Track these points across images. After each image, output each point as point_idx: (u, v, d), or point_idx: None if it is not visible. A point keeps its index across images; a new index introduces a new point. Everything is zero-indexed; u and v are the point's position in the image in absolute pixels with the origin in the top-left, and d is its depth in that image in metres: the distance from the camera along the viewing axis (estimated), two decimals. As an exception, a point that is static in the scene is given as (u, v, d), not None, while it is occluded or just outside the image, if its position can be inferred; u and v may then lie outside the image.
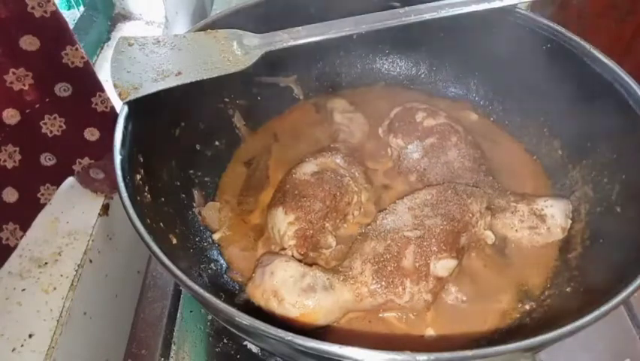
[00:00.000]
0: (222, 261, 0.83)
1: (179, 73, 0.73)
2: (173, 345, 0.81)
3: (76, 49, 0.74)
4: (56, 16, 0.70)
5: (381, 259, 0.73)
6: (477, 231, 0.80)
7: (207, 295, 0.55)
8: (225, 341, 0.81)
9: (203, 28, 0.83)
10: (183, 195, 0.86)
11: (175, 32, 1.30)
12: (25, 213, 0.81)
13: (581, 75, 0.83)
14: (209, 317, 0.83)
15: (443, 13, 0.84)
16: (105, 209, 0.96)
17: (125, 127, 0.69)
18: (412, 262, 0.72)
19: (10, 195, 0.77)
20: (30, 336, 0.78)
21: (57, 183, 0.85)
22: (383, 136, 0.99)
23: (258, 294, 0.70)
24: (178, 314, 0.84)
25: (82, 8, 1.27)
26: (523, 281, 0.80)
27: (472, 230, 0.79)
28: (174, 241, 0.75)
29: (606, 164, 0.82)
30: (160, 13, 1.37)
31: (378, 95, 1.09)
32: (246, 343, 0.80)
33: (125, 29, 1.36)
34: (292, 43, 0.80)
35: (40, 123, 0.77)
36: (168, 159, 0.83)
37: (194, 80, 0.73)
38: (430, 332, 0.74)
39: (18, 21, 0.67)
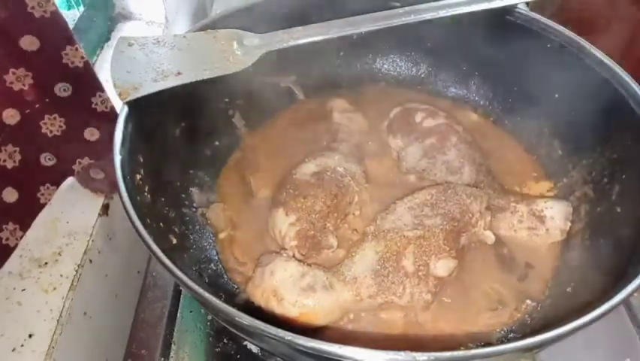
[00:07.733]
0: (222, 261, 0.83)
1: (179, 73, 0.73)
2: (173, 345, 0.81)
3: (76, 49, 0.74)
4: (56, 16, 0.70)
5: (381, 259, 0.73)
6: (477, 231, 0.80)
7: (207, 295, 0.55)
8: (225, 341, 0.81)
9: (203, 28, 0.83)
10: (183, 195, 0.86)
11: (175, 32, 1.29)
12: (25, 213, 0.81)
13: (580, 75, 0.83)
14: (209, 317, 0.83)
15: (443, 13, 0.84)
16: (105, 209, 0.96)
17: (125, 127, 0.69)
18: (411, 262, 0.72)
19: (10, 195, 0.77)
20: (30, 336, 0.78)
21: (57, 183, 0.85)
22: (382, 136, 0.99)
23: (258, 294, 0.70)
24: (178, 314, 0.84)
25: (82, 8, 1.28)
26: (523, 281, 0.80)
27: (472, 230, 0.79)
28: (174, 241, 0.75)
29: (606, 164, 0.82)
30: (160, 13, 1.37)
31: (378, 95, 1.08)
32: (246, 343, 0.80)
33: (125, 29, 1.37)
34: (292, 43, 0.80)
35: (40, 123, 0.78)
36: (168, 159, 0.83)
37: (194, 80, 0.73)
38: (429, 331, 0.74)
39: (18, 21, 0.67)
